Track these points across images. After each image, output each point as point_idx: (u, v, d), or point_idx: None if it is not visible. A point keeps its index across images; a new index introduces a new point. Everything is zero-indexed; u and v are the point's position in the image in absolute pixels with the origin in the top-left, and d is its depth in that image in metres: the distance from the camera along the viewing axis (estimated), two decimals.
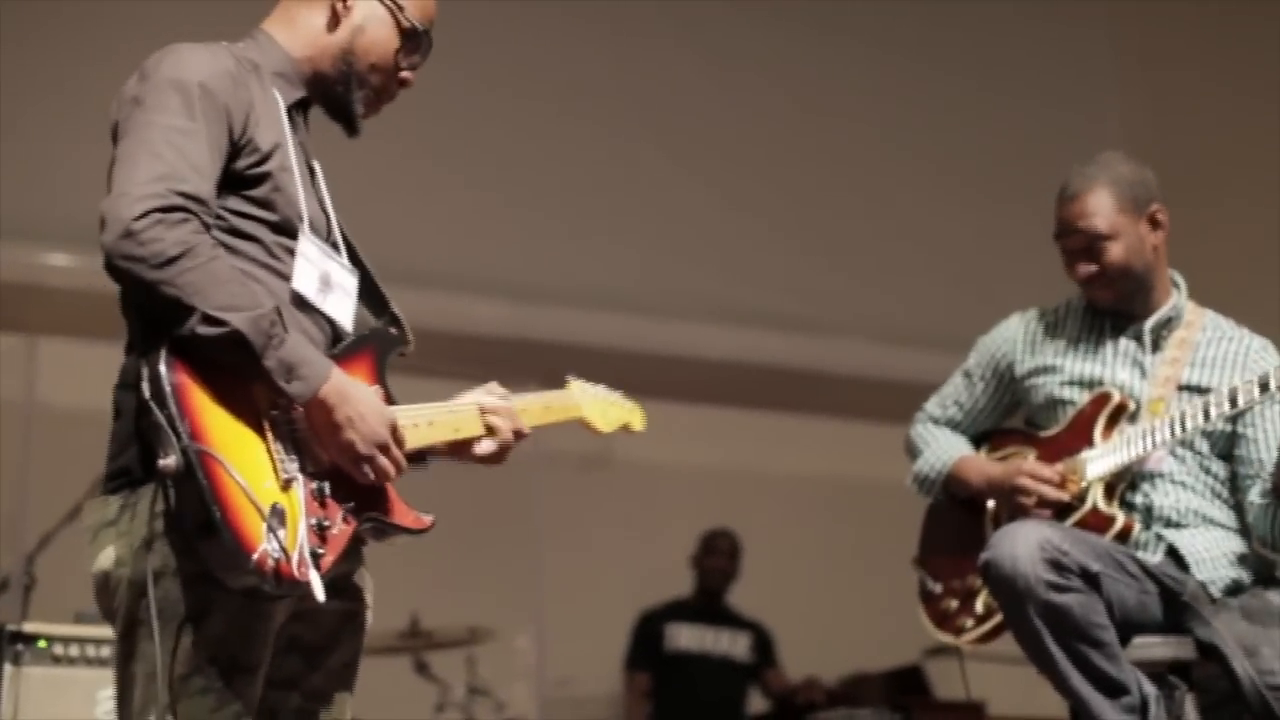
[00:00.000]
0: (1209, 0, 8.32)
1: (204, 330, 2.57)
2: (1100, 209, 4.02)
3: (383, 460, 2.74)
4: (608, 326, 7.55)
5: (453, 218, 7.80)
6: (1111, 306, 4.11)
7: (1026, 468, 4.08)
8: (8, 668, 4.64)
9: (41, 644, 4.67)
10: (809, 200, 8.56)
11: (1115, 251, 4.02)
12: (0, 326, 7.28)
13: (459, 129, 7.81)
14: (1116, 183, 4.04)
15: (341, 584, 2.85)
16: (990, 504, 4.18)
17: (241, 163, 2.78)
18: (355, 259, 3.02)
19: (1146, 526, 3.96)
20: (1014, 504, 4.06)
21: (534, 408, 3.17)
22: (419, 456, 3.03)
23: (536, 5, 8.02)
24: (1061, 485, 4.01)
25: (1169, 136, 7.89)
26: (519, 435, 3.07)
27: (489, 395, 3.08)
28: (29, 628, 4.70)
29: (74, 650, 4.68)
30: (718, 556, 8.16)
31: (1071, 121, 8.54)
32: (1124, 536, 3.93)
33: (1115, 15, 8.98)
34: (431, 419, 2.95)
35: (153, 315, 2.62)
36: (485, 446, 3.05)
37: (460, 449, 3.05)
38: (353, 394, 2.72)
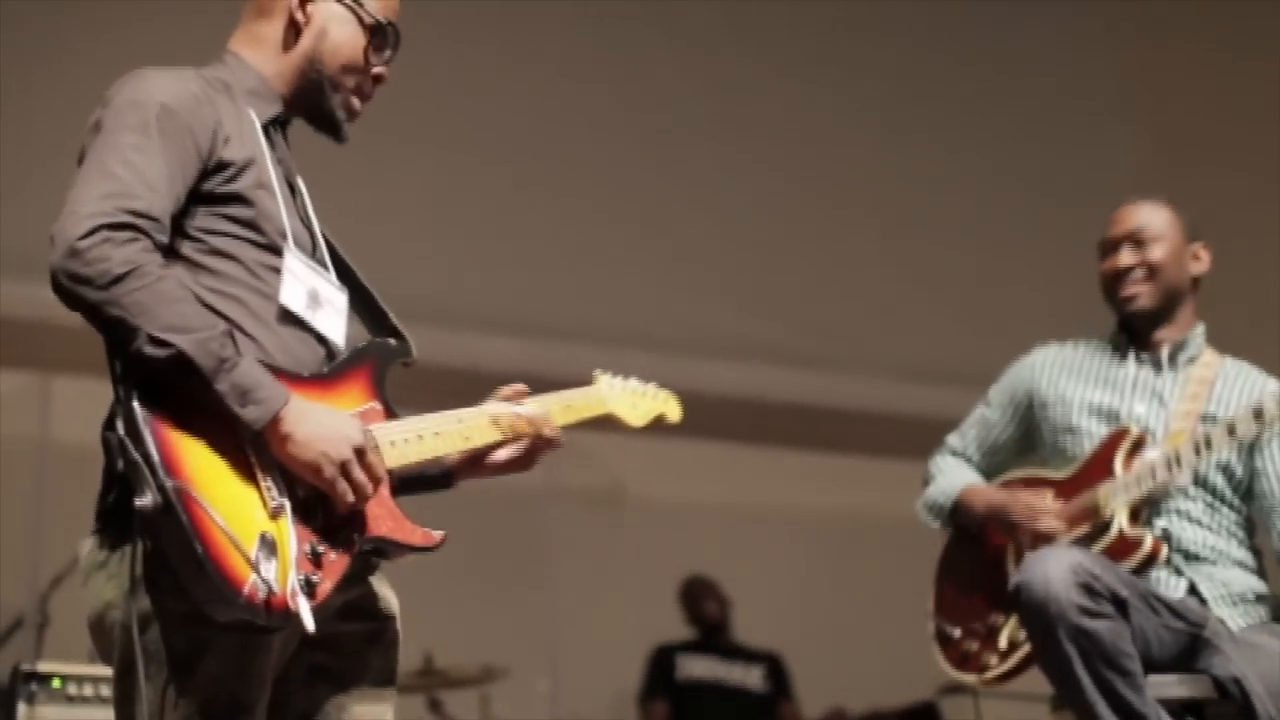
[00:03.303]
0: (1224, 43, 8.33)
1: (150, 352, 2.49)
2: (1155, 213, 4.18)
3: (357, 474, 2.63)
4: (618, 363, 7.51)
5: (461, 254, 7.81)
6: (1134, 314, 4.13)
7: (1024, 498, 4.11)
8: (22, 707, 4.63)
9: (55, 683, 4.66)
10: (819, 237, 8.56)
11: (1159, 251, 4.12)
12: (13, 364, 7.29)
13: (468, 164, 7.82)
14: (1174, 205, 4.21)
15: (358, 604, 2.80)
16: (1011, 557, 4.18)
17: (213, 181, 2.71)
18: (348, 276, 2.96)
19: (1168, 558, 3.97)
20: (1014, 539, 4.09)
21: (553, 407, 3.07)
22: (443, 478, 3.00)
23: (546, 39, 8.05)
24: (1062, 518, 4.03)
25: (1183, 175, 7.88)
26: (546, 439, 3.01)
27: (503, 399, 3.02)
28: (43, 667, 4.69)
29: (88, 689, 4.67)
30: (705, 591, 8.16)
31: (1085, 161, 8.54)
32: (1152, 559, 3.94)
33: (1130, 55, 8.99)
34: (438, 429, 2.87)
35: (107, 338, 2.57)
36: (501, 455, 2.99)
37: (481, 462, 3.00)
38: (310, 413, 2.60)
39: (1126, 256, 4.13)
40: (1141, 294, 4.12)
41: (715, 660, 8.06)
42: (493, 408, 3.00)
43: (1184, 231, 4.16)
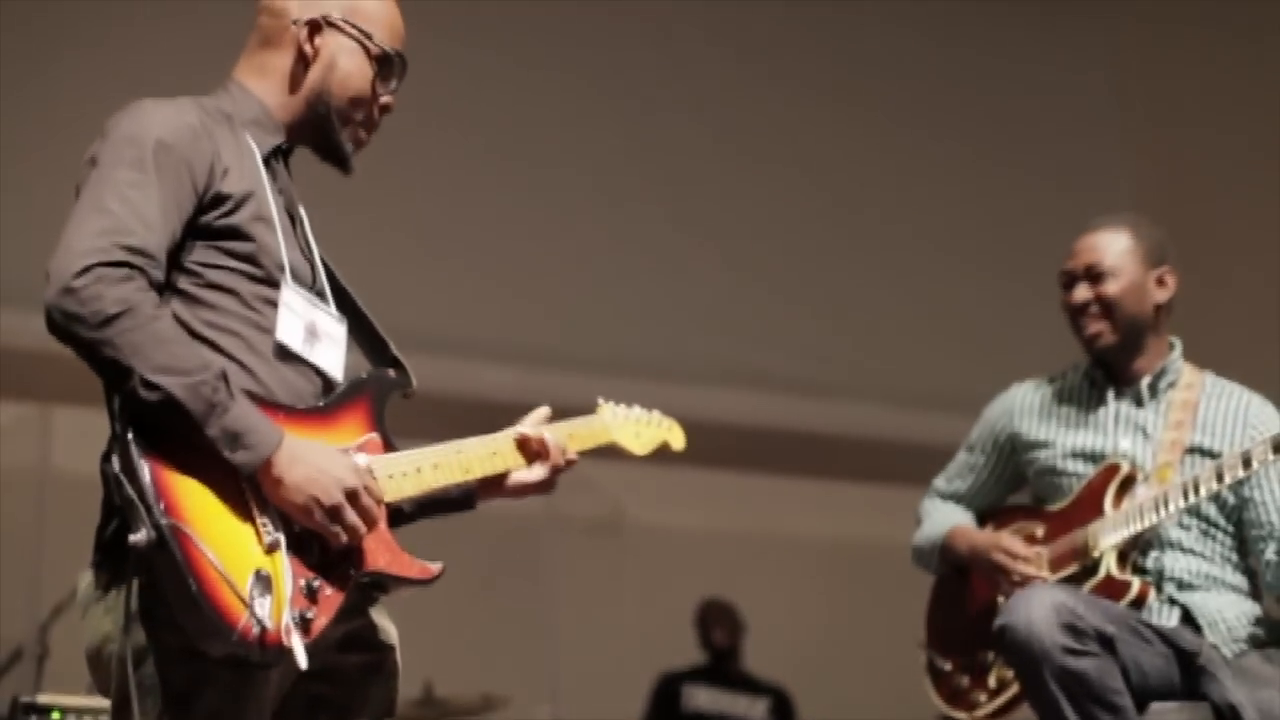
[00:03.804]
0: (1222, 69, 8.34)
1: (142, 394, 2.49)
2: (1113, 244, 4.07)
3: (349, 516, 2.63)
4: (618, 390, 7.51)
5: (462, 283, 7.82)
6: (1101, 351, 4.09)
7: (1005, 543, 4.08)
8: None
9: (55, 715, 4.63)
10: (818, 264, 8.57)
11: (1113, 286, 4.04)
12: (14, 395, 7.29)
13: (471, 194, 7.84)
14: (1136, 229, 4.11)
15: (358, 635, 2.80)
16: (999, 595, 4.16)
17: (211, 215, 2.70)
18: (349, 305, 2.96)
19: (1159, 590, 3.95)
20: (993, 580, 4.07)
21: (558, 437, 3.08)
22: (465, 500, 3.01)
23: (548, 68, 8.06)
24: (1049, 559, 4.02)
25: (1181, 203, 7.90)
26: (568, 460, 3.05)
27: (530, 423, 3.05)
28: (42, 699, 4.67)
29: None
30: (718, 617, 8.14)
31: (1082, 188, 8.55)
32: (1140, 602, 3.91)
33: (1126, 84, 9.01)
34: (437, 462, 2.87)
35: (100, 377, 2.56)
36: (523, 476, 3.02)
37: (503, 485, 3.02)
38: (302, 454, 2.60)
39: (1082, 292, 4.05)
40: (1102, 333, 4.05)
41: (720, 691, 8.05)
42: (522, 430, 3.02)
43: (1145, 259, 4.06)
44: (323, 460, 2.63)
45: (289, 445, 2.60)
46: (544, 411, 3.10)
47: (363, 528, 2.66)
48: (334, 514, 2.62)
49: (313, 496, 2.59)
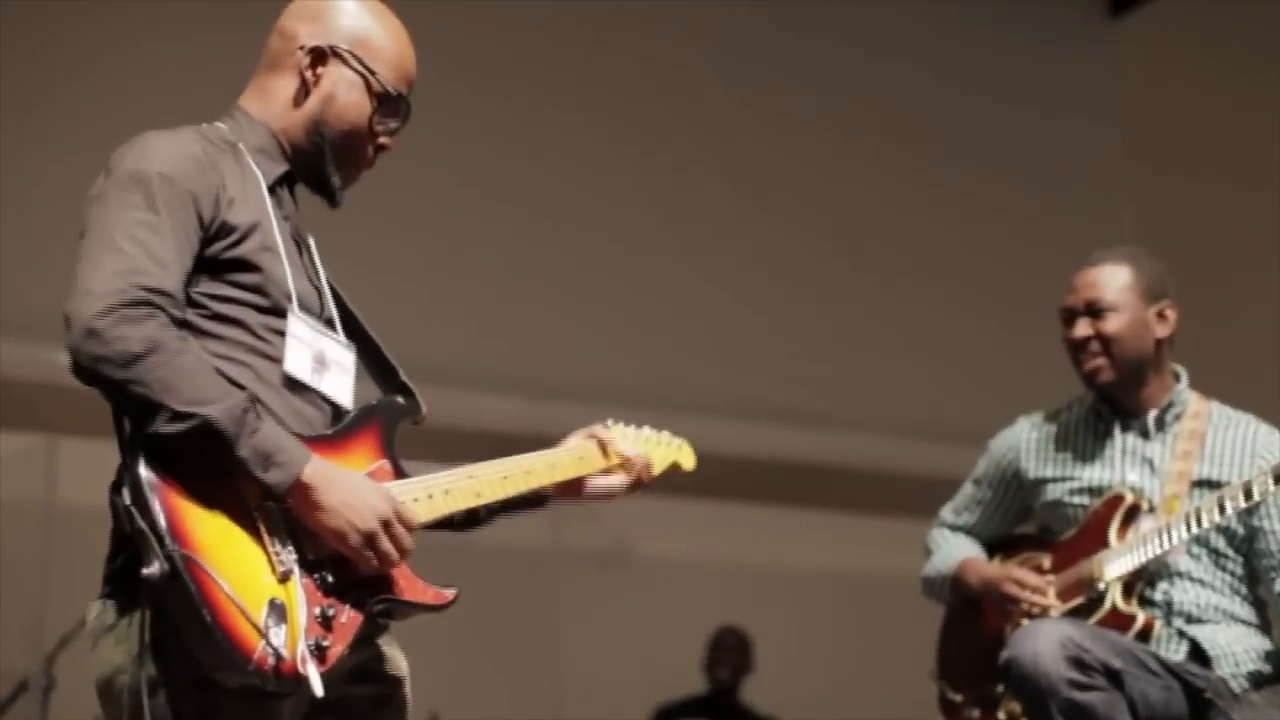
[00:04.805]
0: (1223, 104, 8.36)
1: (172, 427, 2.49)
2: (1113, 280, 4.06)
3: (384, 543, 2.63)
4: (623, 421, 7.49)
5: (466, 315, 7.82)
6: (1104, 387, 4.08)
7: (1016, 574, 4.07)
8: None
9: None
10: (824, 297, 8.57)
11: (1114, 323, 4.03)
12: (21, 426, 7.28)
13: (474, 226, 7.84)
14: (1136, 263, 4.09)
15: (368, 667, 2.80)
16: (1009, 627, 4.15)
17: (217, 246, 2.69)
18: (358, 331, 2.96)
19: (1167, 623, 3.94)
20: (1004, 612, 4.06)
21: (566, 460, 3.11)
22: (537, 500, 3.09)
23: (551, 103, 8.08)
24: (1056, 591, 4.00)
25: (1182, 237, 7.92)
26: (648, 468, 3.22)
27: (592, 435, 3.19)
28: None
29: None
30: (727, 653, 8.12)
31: (1084, 221, 8.57)
32: (1145, 635, 3.90)
33: (1129, 119, 9.03)
34: (448, 487, 2.87)
35: (129, 415, 2.56)
36: (603, 484, 3.17)
37: (579, 489, 3.15)
38: (339, 478, 2.62)
39: (1082, 328, 4.05)
40: (1102, 368, 4.04)
41: None
42: (594, 436, 3.18)
43: (1144, 294, 4.05)
44: (357, 485, 2.64)
45: (319, 467, 2.60)
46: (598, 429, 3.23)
47: (396, 556, 2.66)
48: (370, 540, 2.62)
49: (349, 521, 2.60)
